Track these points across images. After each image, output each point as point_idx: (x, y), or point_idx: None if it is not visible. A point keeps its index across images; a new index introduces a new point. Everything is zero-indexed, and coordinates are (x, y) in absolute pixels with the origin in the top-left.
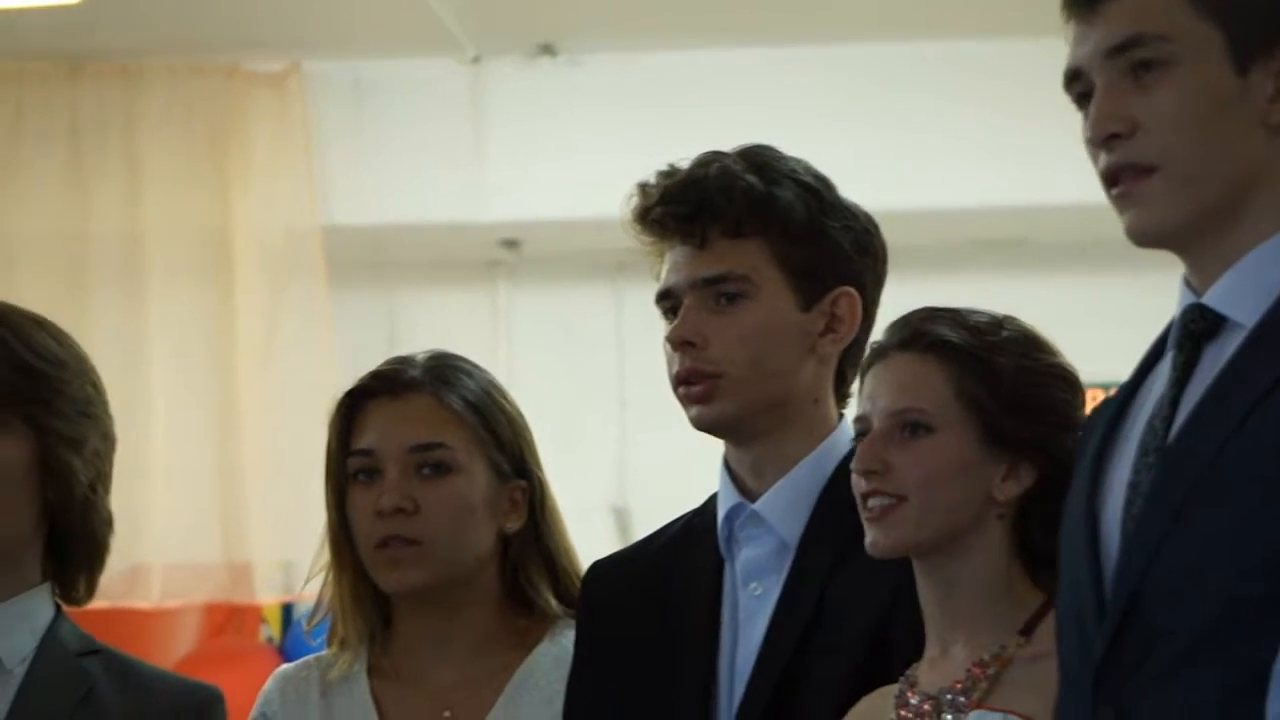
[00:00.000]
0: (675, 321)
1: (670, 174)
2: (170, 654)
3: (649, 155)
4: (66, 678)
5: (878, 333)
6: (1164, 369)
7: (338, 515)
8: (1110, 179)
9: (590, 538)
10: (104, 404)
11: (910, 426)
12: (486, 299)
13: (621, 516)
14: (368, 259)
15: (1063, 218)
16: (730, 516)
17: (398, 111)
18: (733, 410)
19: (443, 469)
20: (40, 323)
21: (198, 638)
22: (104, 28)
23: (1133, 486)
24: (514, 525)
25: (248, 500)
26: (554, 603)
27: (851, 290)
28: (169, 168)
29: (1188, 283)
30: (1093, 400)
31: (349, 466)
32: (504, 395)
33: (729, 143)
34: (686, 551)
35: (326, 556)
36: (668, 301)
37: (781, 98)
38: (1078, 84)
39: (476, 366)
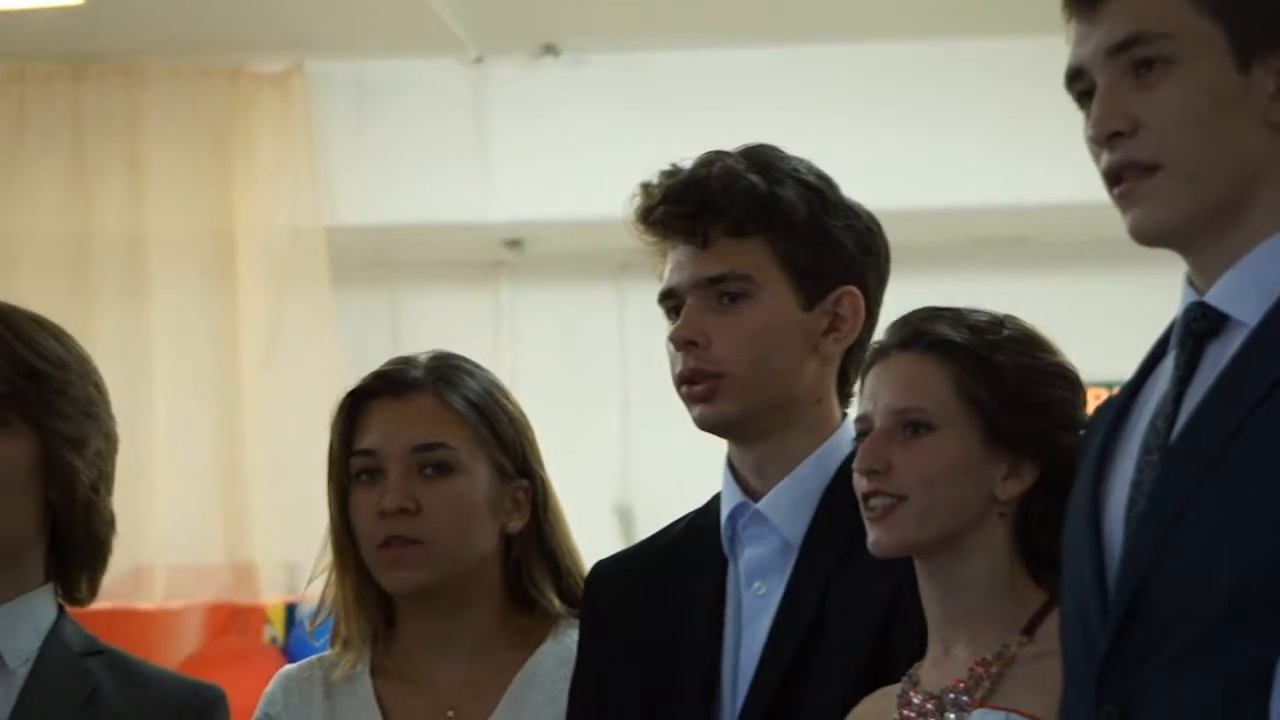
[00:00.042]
0: (678, 321)
1: (673, 174)
2: (174, 654)
3: (652, 155)
4: (70, 678)
5: (879, 333)
6: (1167, 368)
7: (340, 515)
8: (1112, 177)
9: (593, 537)
10: (106, 404)
11: (912, 426)
12: (490, 299)
13: (625, 516)
14: (371, 259)
15: (1065, 216)
16: (733, 516)
17: (401, 112)
18: (735, 410)
19: (445, 469)
20: (42, 323)
21: (201, 638)
22: (107, 28)
23: (1135, 485)
24: (517, 525)
25: (251, 500)
26: (557, 602)
27: (854, 289)
28: (172, 168)
29: (1190, 281)
30: (1095, 399)
31: (351, 467)
32: (506, 395)
33: (731, 142)
34: (690, 551)
35: (329, 557)
36: (670, 301)
37: (784, 97)
38: (1079, 82)
39: (479, 366)
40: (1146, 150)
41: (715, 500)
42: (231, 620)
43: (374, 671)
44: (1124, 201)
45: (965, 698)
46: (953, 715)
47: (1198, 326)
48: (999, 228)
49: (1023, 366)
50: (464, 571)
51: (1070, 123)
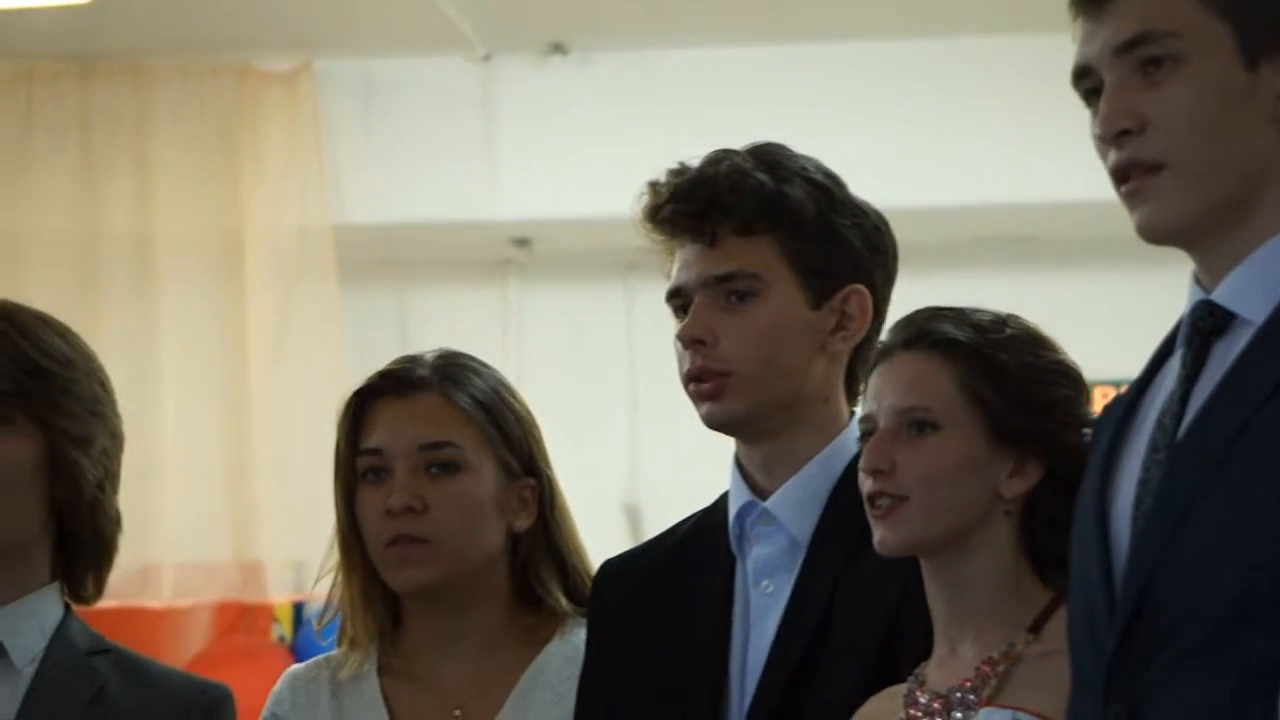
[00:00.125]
0: (686, 319)
1: (680, 172)
2: (181, 653)
3: (659, 154)
4: (76, 677)
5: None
6: (1174, 366)
7: (347, 514)
8: (1120, 176)
9: (601, 536)
10: (112, 403)
11: (916, 425)
12: (497, 297)
13: (632, 515)
14: (379, 257)
15: (1072, 215)
16: (741, 515)
17: (408, 110)
18: (743, 408)
19: (451, 468)
20: (47, 321)
21: (209, 637)
22: (115, 27)
23: (1143, 483)
24: (523, 524)
25: (259, 499)
26: (564, 601)
27: (862, 288)
28: (180, 167)
29: (1197, 279)
30: (1103, 398)
31: (358, 466)
32: (513, 393)
33: (739, 140)
34: (698, 550)
35: (336, 556)
36: (678, 299)
37: (792, 95)
38: (1086, 81)
39: (485, 365)
40: (1154, 149)
41: (723, 499)
42: (239, 619)
43: (381, 670)
44: (1131, 200)
45: (972, 697)
46: (959, 714)
47: (1205, 324)
48: (1005, 226)
49: (1026, 365)
50: (471, 570)
51: (1076, 121)
